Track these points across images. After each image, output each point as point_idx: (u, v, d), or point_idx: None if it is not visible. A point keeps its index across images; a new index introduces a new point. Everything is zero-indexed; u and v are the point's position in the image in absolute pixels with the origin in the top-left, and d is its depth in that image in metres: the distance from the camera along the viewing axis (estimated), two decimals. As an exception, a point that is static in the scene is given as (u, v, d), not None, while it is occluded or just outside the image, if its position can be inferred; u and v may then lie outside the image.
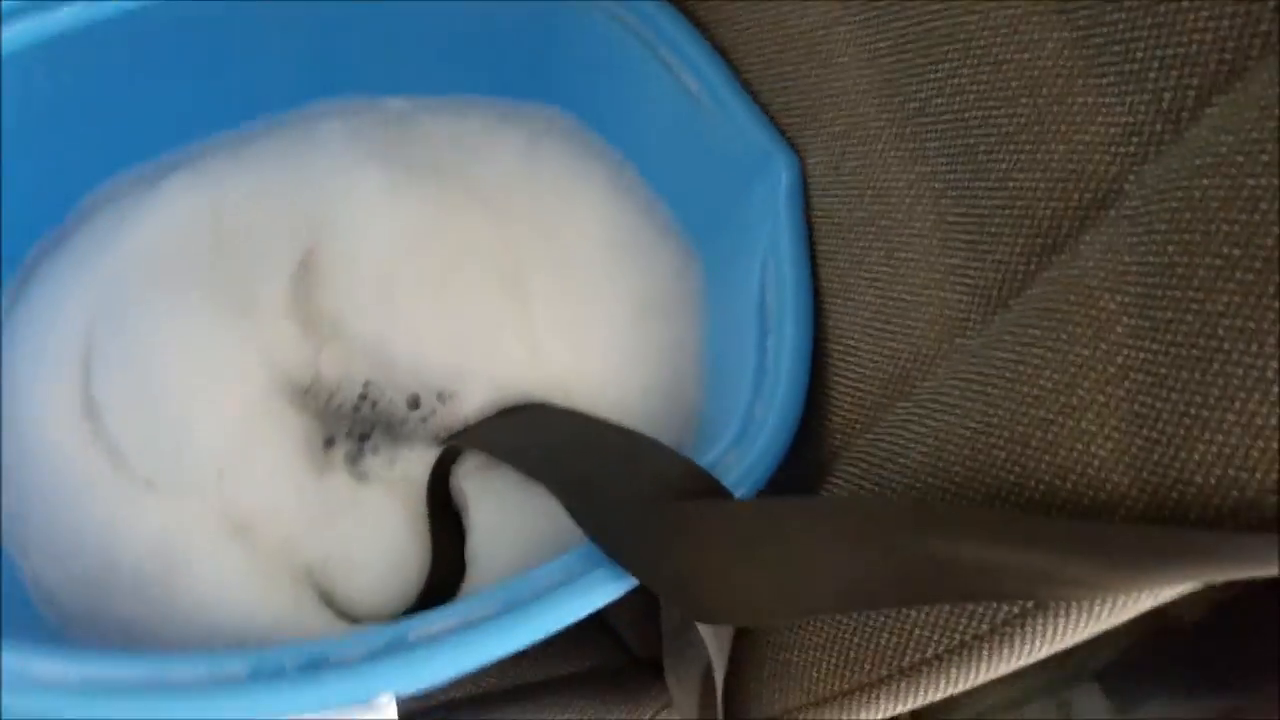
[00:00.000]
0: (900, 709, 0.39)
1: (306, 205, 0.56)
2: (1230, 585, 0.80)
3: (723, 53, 0.50)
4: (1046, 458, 0.31)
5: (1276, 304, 0.26)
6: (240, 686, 0.36)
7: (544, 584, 0.39)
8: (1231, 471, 0.27)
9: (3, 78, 0.49)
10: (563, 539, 0.45)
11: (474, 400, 0.52)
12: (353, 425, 0.54)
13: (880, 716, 0.40)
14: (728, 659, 0.43)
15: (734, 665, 0.44)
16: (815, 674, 0.41)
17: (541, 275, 0.53)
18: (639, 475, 0.40)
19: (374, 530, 0.49)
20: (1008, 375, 0.33)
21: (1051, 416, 0.32)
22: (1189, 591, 0.32)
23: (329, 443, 0.54)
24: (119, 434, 0.52)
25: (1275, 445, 0.26)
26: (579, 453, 0.45)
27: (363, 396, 0.55)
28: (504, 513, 0.50)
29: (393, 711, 0.37)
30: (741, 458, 0.41)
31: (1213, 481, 0.28)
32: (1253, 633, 0.75)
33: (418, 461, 0.52)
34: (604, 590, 0.39)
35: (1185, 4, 0.30)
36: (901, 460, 0.37)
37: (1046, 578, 0.29)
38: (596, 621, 0.65)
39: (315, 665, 0.37)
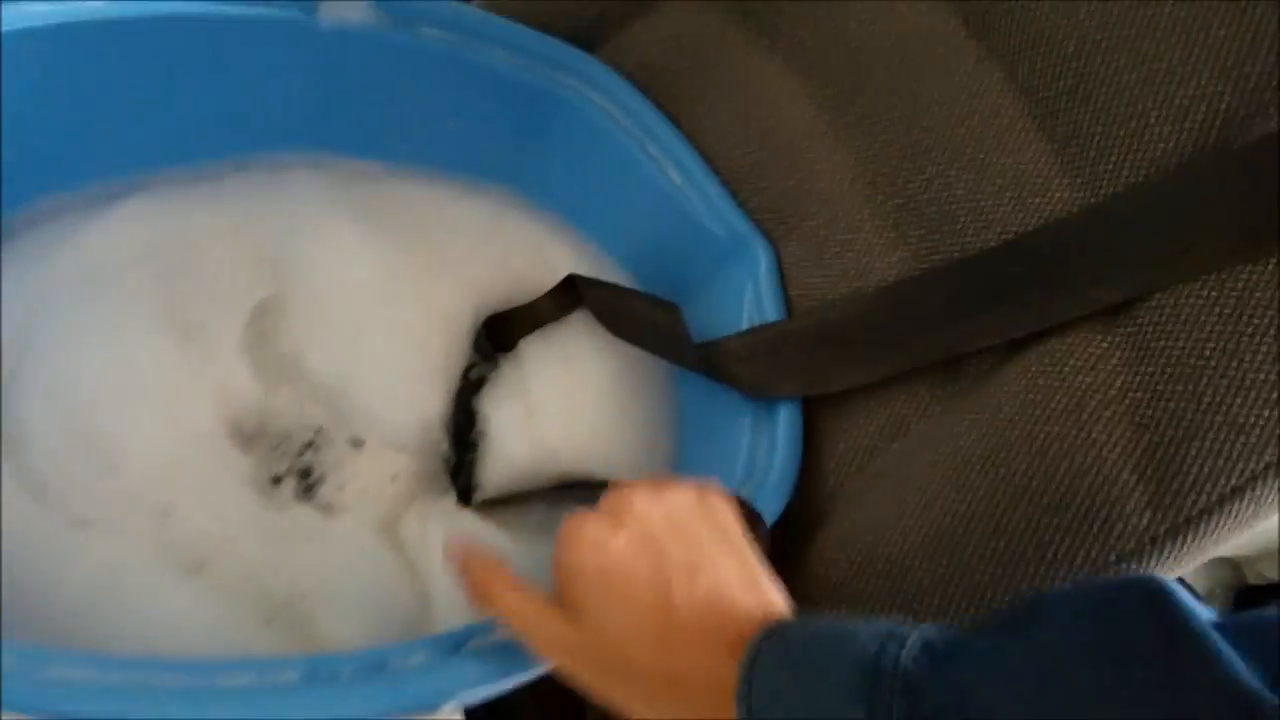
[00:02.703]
0: None
1: (274, 248, 0.55)
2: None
3: (705, 156, 0.57)
4: (1064, 463, 0.38)
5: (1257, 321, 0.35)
6: (293, 690, 0.34)
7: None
8: (1221, 462, 0.35)
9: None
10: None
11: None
12: (293, 463, 0.52)
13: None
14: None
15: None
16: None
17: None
18: None
19: (347, 557, 0.47)
20: (1019, 401, 0.40)
21: (1064, 430, 0.39)
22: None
23: (275, 480, 0.51)
24: (43, 466, 0.46)
25: (1254, 439, 0.35)
26: None
27: (309, 443, 0.53)
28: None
29: (459, 721, 0.35)
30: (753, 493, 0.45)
31: (1206, 470, 0.36)
32: None
33: (366, 473, 0.52)
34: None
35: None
36: (918, 483, 0.42)
37: None
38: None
39: (373, 669, 0.35)
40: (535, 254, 0.60)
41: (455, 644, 0.37)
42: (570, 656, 0.34)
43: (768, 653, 0.31)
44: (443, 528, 0.51)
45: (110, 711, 0.31)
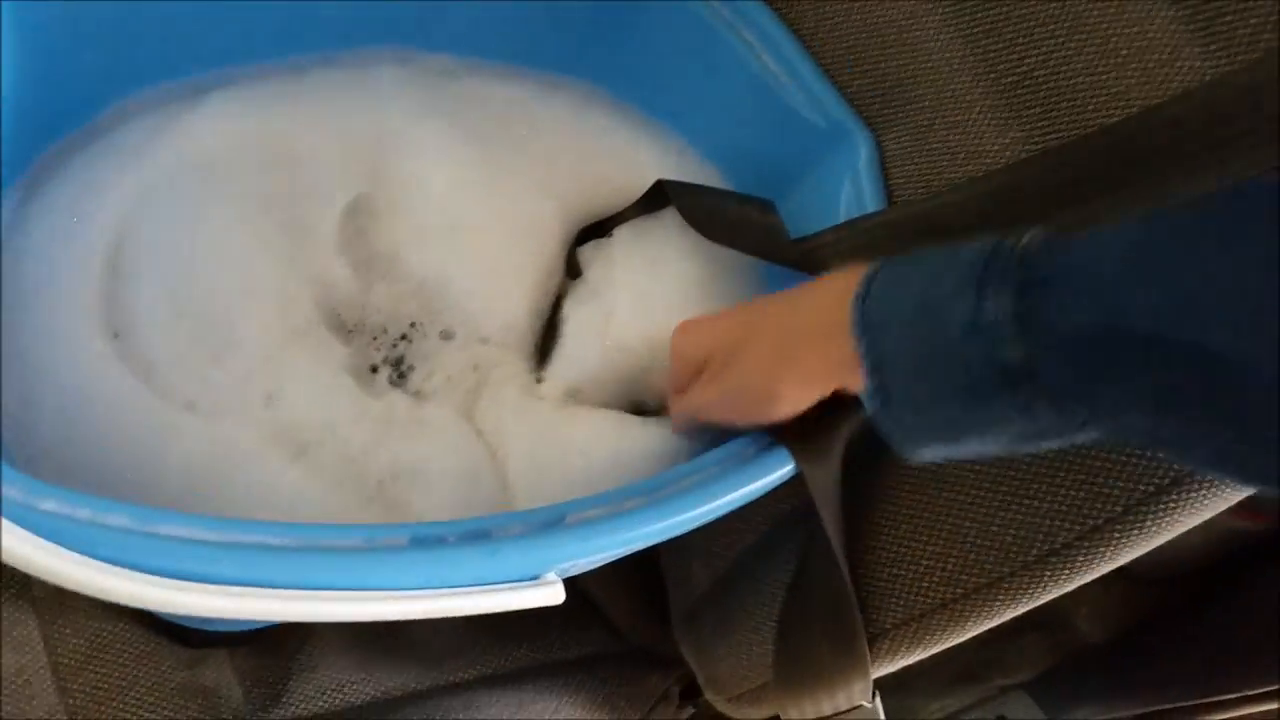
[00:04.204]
0: (1014, 612, 0.42)
1: (361, 145, 0.55)
2: (1132, 609, 0.88)
3: (802, 40, 0.54)
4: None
5: None
6: (402, 553, 0.34)
7: (685, 481, 0.40)
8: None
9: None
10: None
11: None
12: (389, 354, 0.53)
13: (991, 621, 0.42)
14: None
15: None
16: (930, 580, 0.43)
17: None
18: None
19: (438, 441, 0.48)
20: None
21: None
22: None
23: (373, 369, 0.52)
24: (153, 350, 0.48)
25: None
26: None
27: (403, 336, 0.54)
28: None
29: (560, 591, 0.35)
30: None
31: None
32: (1152, 649, 0.84)
33: (452, 363, 0.52)
34: (738, 486, 0.40)
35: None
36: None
37: None
38: (595, 613, 0.64)
39: (477, 537, 0.35)
40: (619, 151, 0.59)
41: (554, 517, 0.37)
42: (719, 399, 0.42)
43: (885, 265, 0.36)
44: (518, 417, 0.51)
45: (221, 571, 0.31)
